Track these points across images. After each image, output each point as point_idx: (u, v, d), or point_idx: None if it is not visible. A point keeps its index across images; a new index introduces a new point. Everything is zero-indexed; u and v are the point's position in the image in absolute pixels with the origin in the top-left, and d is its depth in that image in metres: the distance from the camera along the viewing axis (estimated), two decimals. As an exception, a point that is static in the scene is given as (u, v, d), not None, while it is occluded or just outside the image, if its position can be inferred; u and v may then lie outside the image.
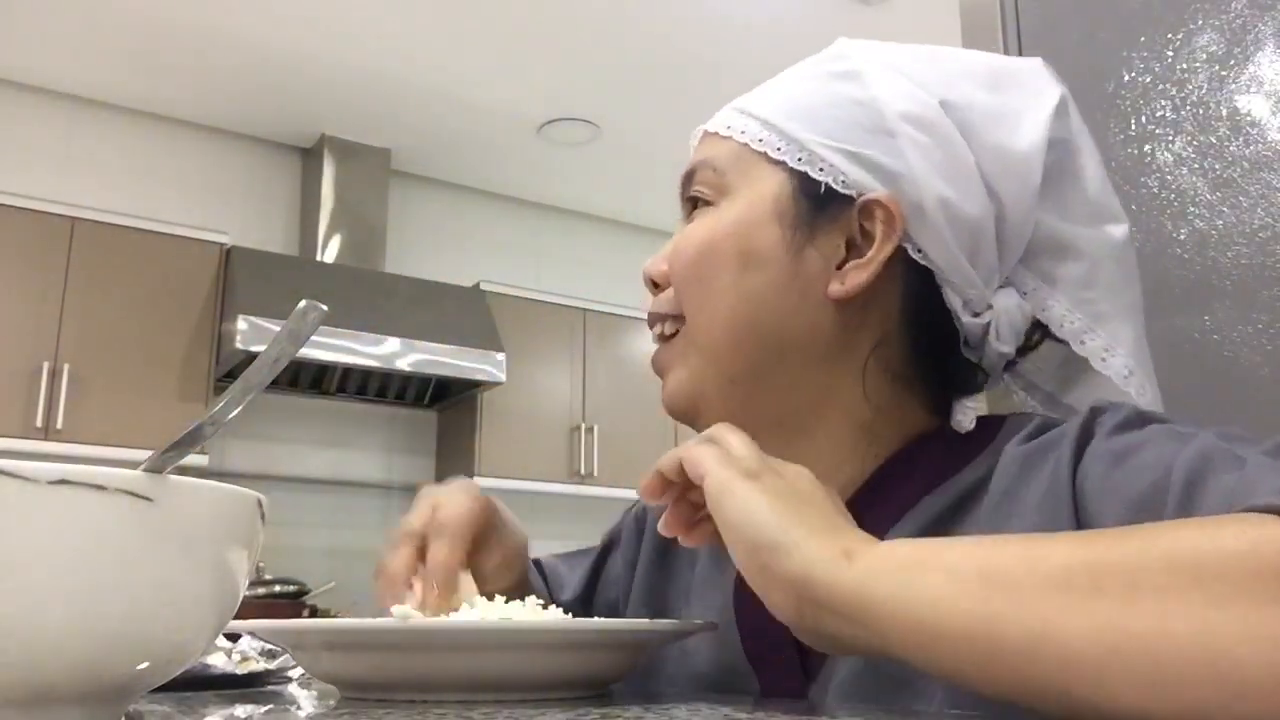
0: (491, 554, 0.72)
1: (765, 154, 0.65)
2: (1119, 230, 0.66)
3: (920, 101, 0.63)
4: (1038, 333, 0.67)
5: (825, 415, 0.64)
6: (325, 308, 0.37)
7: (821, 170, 0.62)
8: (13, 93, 3.82)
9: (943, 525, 0.59)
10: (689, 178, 0.69)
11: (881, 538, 0.47)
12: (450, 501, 0.69)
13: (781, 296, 0.63)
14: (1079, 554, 0.39)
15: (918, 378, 0.65)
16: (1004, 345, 0.63)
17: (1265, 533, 0.36)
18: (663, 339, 0.69)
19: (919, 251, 0.62)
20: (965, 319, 0.62)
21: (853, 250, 0.63)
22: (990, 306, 0.63)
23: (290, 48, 3.65)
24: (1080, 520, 0.52)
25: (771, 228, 0.63)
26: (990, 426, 0.63)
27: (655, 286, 0.69)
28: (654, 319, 0.69)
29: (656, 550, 0.78)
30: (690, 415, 0.67)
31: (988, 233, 0.62)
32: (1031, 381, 0.71)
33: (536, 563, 0.85)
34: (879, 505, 0.61)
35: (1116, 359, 0.63)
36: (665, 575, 0.77)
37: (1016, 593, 0.39)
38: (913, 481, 0.61)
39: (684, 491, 0.55)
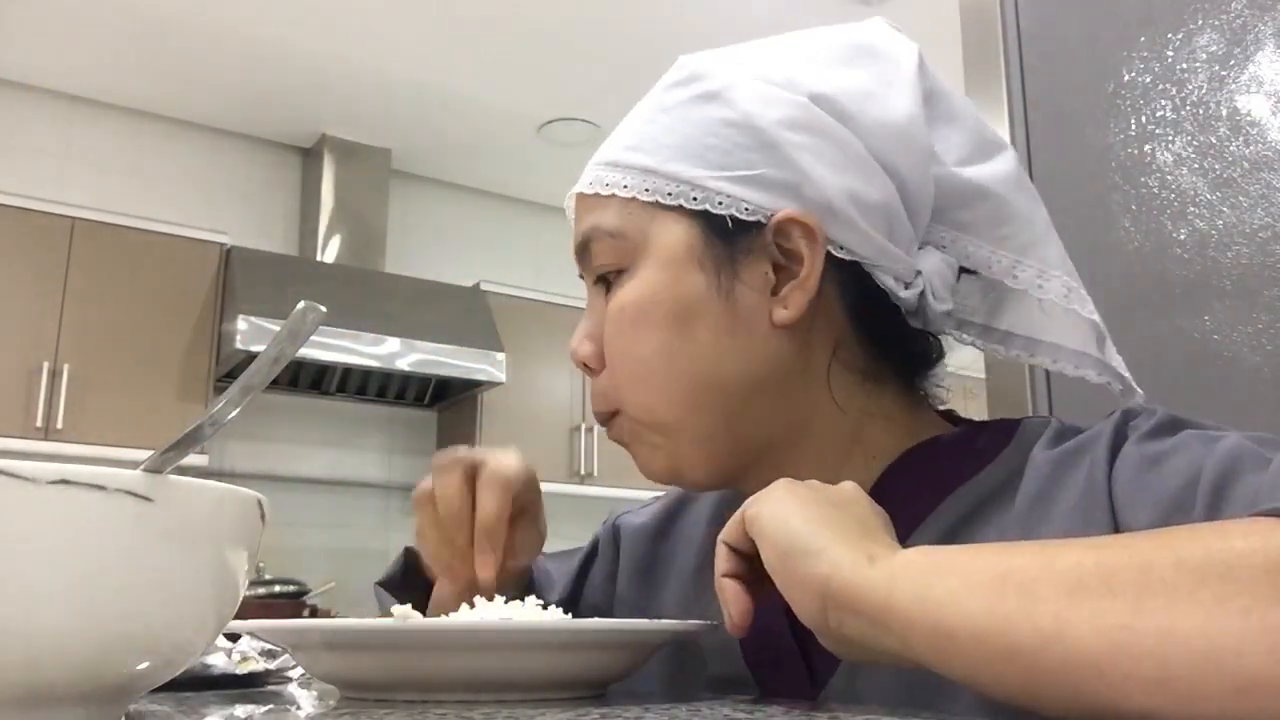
0: (526, 531, 0.72)
1: (658, 203, 0.62)
2: (1008, 157, 0.66)
3: (791, 103, 0.61)
4: (959, 276, 0.66)
5: (808, 433, 0.64)
6: (324, 308, 0.37)
7: (721, 204, 0.61)
8: (13, 93, 3.83)
9: (964, 530, 0.58)
10: (583, 252, 0.66)
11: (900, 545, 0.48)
12: (502, 456, 0.69)
13: (729, 343, 0.61)
14: (1091, 555, 0.39)
15: (885, 368, 0.64)
16: (942, 304, 0.63)
17: (1274, 533, 0.36)
18: (612, 425, 0.67)
19: (841, 249, 0.61)
20: (901, 294, 0.62)
21: (781, 272, 0.62)
22: (919, 272, 0.62)
23: (290, 48, 3.66)
24: (1117, 524, 0.52)
25: (695, 277, 0.62)
26: (1004, 431, 0.62)
27: (589, 369, 0.67)
28: (602, 418, 0.67)
29: (636, 567, 0.78)
30: (675, 481, 0.66)
31: (897, 207, 0.62)
32: (963, 319, 0.70)
33: None
34: (890, 513, 0.60)
35: (1052, 282, 0.63)
36: (650, 590, 0.76)
37: (1029, 593, 0.39)
38: (923, 487, 0.61)
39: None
